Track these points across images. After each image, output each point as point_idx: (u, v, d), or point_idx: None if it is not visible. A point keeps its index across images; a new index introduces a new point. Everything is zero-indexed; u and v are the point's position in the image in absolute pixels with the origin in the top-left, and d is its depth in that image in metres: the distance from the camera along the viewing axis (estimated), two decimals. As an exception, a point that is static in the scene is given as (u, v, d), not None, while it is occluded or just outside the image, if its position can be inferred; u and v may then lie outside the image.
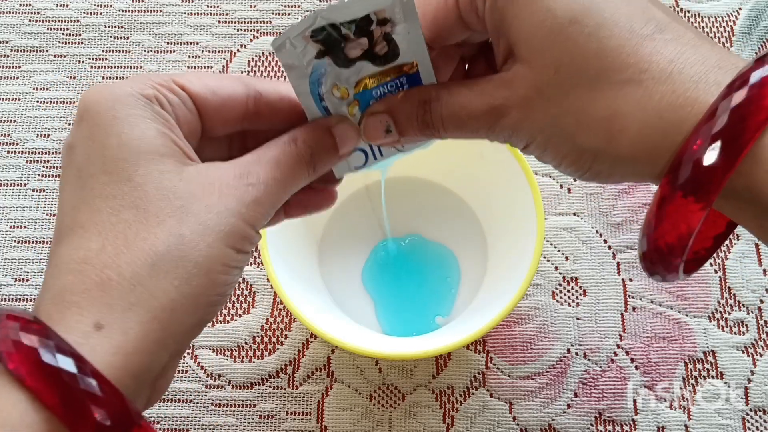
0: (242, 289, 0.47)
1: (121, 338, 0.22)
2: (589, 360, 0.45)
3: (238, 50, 0.53)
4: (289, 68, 0.27)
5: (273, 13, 0.54)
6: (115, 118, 0.24)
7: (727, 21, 0.53)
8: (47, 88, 0.52)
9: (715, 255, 0.47)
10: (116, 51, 0.53)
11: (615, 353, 0.45)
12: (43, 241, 0.48)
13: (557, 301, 0.46)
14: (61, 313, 0.22)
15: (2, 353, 0.21)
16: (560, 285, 0.47)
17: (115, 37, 0.53)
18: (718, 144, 0.21)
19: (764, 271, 0.47)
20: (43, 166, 0.50)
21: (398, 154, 0.31)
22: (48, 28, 0.53)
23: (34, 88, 0.52)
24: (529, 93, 0.25)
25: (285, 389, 0.45)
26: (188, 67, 0.52)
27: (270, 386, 0.45)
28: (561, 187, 0.49)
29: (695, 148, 0.22)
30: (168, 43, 0.53)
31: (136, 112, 0.24)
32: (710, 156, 0.21)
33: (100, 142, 0.24)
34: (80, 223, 0.23)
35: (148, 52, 0.53)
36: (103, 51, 0.53)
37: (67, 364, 0.21)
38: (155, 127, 0.24)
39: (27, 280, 0.47)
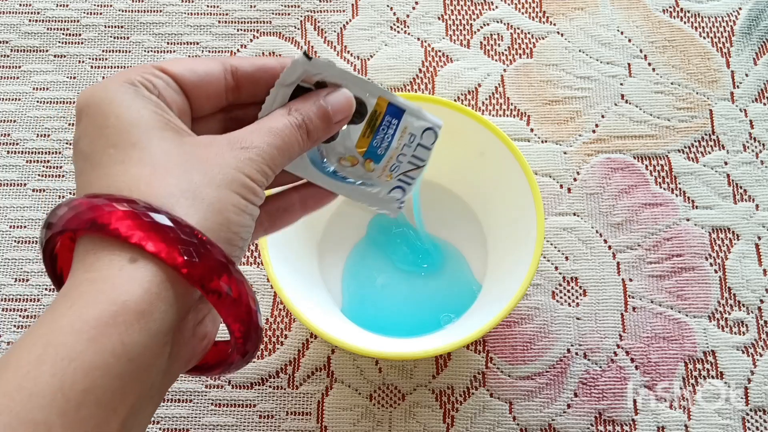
0: (242, 289, 0.47)
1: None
2: (589, 360, 0.45)
3: (238, 50, 0.53)
4: (289, 169, 0.30)
5: (273, 13, 0.54)
6: (111, 103, 0.25)
7: (727, 21, 0.53)
8: (47, 88, 0.52)
9: (715, 255, 0.47)
10: (116, 51, 0.53)
11: (615, 353, 0.45)
12: (43, 241, 0.48)
13: (557, 301, 0.46)
14: (95, 256, 0.23)
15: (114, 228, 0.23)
16: (560, 285, 0.47)
17: (115, 37, 0.53)
18: None
19: (764, 271, 0.47)
20: (43, 166, 0.50)
21: (421, 170, 0.33)
22: (48, 28, 0.53)
23: (34, 88, 0.52)
24: None
25: (285, 389, 0.45)
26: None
27: (270, 386, 0.45)
28: (561, 187, 0.49)
29: None
30: (168, 43, 0.53)
31: (129, 98, 0.26)
32: None
33: (101, 125, 0.25)
34: (94, 191, 0.25)
35: (148, 52, 0.53)
36: (103, 51, 0.53)
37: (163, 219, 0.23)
38: (150, 108, 0.26)
39: (27, 280, 0.47)
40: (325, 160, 0.31)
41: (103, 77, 0.52)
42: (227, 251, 0.25)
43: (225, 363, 0.28)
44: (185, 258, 0.23)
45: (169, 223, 0.23)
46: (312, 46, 0.53)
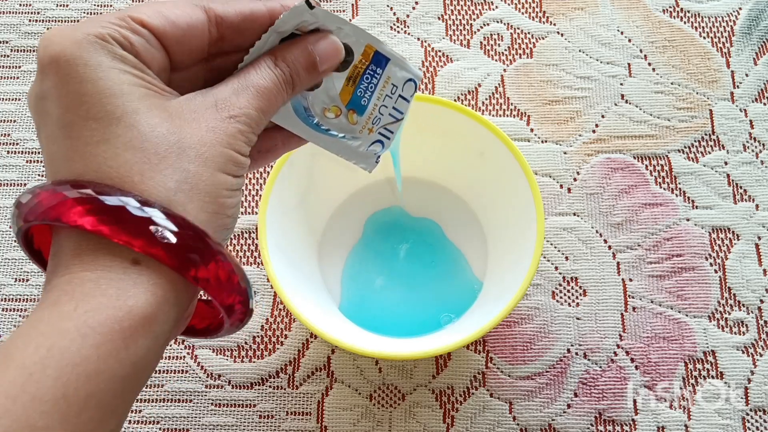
0: (242, 289, 0.47)
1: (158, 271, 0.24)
2: (589, 360, 0.45)
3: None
4: (273, 119, 0.29)
5: (273, 13, 0.54)
6: (86, 66, 0.23)
7: (727, 21, 0.53)
8: (47, 88, 0.52)
9: (715, 255, 0.47)
10: (116, 51, 0.53)
11: (615, 353, 0.45)
12: (43, 241, 0.48)
13: (557, 301, 0.46)
14: (93, 255, 0.23)
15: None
16: (560, 285, 0.47)
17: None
18: None
19: (764, 271, 0.47)
20: (43, 166, 0.50)
21: (401, 123, 0.32)
22: (48, 28, 0.53)
23: (34, 88, 0.52)
24: None
25: (285, 389, 0.45)
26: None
27: (270, 386, 0.45)
28: (561, 187, 0.49)
29: None
30: (168, 43, 0.53)
31: (105, 59, 0.24)
32: None
33: (75, 90, 0.23)
34: (78, 173, 0.23)
35: (148, 52, 0.53)
36: (103, 51, 0.53)
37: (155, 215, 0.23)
38: (128, 70, 0.24)
39: (27, 280, 0.47)
40: (309, 110, 0.30)
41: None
42: (222, 236, 0.25)
43: (211, 329, 0.28)
44: (188, 260, 0.23)
45: (169, 224, 0.23)
46: None
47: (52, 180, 0.24)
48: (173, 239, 0.23)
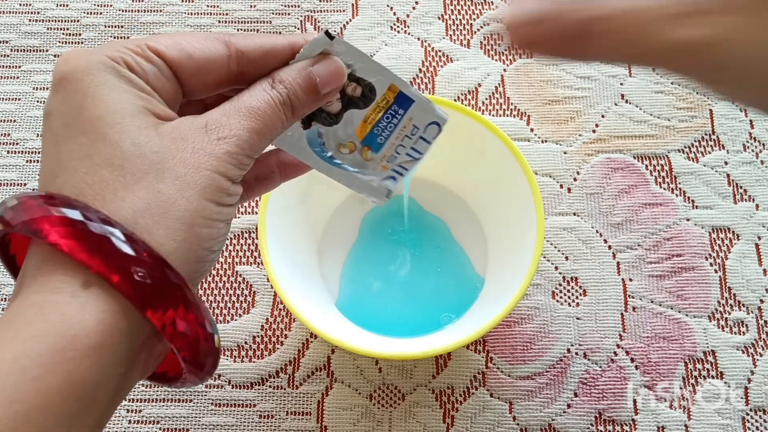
0: (242, 289, 0.47)
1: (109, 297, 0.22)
2: (589, 360, 0.45)
3: (238, 50, 0.53)
4: (285, 145, 0.29)
5: (273, 13, 0.54)
6: (92, 83, 0.23)
7: (727, 21, 0.53)
8: (47, 88, 0.52)
9: (715, 255, 0.47)
10: (116, 51, 0.53)
11: (615, 353, 0.45)
12: (43, 241, 0.48)
13: (557, 301, 0.46)
14: (47, 275, 0.22)
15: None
16: (560, 285, 0.47)
17: (115, 37, 0.53)
18: None
19: (764, 271, 0.47)
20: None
21: (418, 162, 0.32)
22: (48, 28, 0.53)
23: (34, 88, 0.52)
24: None
25: (285, 389, 0.45)
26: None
27: (270, 386, 0.45)
28: (561, 187, 0.49)
29: None
30: (168, 43, 0.53)
31: (113, 78, 0.24)
32: None
33: (77, 106, 0.23)
34: (59, 186, 0.23)
35: (148, 52, 0.53)
36: (103, 51, 0.53)
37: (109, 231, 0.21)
38: (132, 91, 0.24)
39: (27, 280, 0.47)
40: (323, 143, 0.30)
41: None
42: (194, 269, 0.23)
43: (179, 377, 0.26)
44: (139, 288, 0.21)
45: (127, 248, 0.21)
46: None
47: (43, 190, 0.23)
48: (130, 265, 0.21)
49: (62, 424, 0.20)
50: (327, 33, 0.26)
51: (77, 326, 0.21)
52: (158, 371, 0.26)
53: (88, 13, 0.54)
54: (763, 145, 0.50)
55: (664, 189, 0.49)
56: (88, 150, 0.23)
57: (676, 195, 0.49)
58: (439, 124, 0.31)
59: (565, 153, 0.50)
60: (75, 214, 0.21)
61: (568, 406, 0.44)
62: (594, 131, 0.50)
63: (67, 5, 0.54)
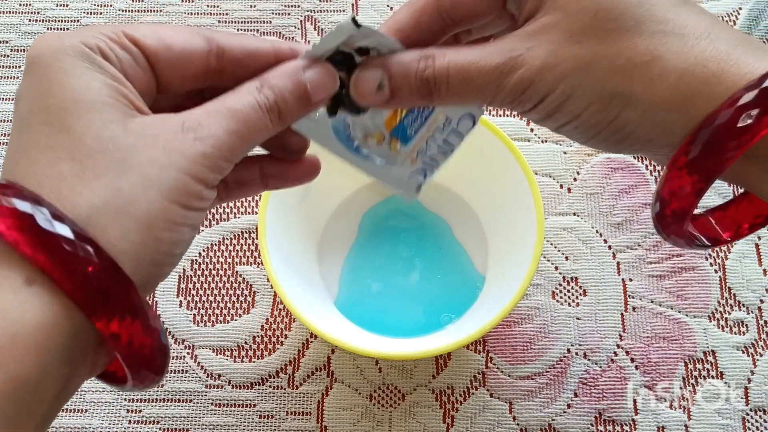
0: (242, 289, 0.47)
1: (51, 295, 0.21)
2: (589, 360, 0.45)
3: (238, 50, 0.53)
4: (311, 133, 0.27)
5: (273, 13, 0.54)
6: (60, 69, 0.22)
7: (727, 21, 0.53)
8: (47, 88, 0.52)
9: (715, 255, 0.47)
10: (116, 51, 0.53)
11: (615, 353, 0.45)
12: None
13: (557, 301, 0.46)
14: None
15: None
16: (560, 285, 0.47)
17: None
18: (755, 112, 0.22)
19: (764, 271, 0.47)
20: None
21: (449, 156, 0.30)
22: (48, 28, 0.53)
23: (34, 88, 0.52)
24: (558, 39, 0.24)
25: (285, 389, 0.45)
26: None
27: (270, 386, 0.45)
28: (561, 187, 0.49)
29: (736, 101, 0.22)
30: (168, 43, 0.53)
31: (83, 64, 0.23)
32: (743, 120, 0.22)
33: (44, 92, 0.22)
34: (18, 175, 0.22)
35: (148, 52, 0.53)
36: (103, 51, 0.53)
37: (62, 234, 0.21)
38: (102, 79, 0.23)
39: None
40: (350, 133, 0.28)
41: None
42: (149, 272, 0.22)
43: (117, 376, 0.25)
44: (83, 288, 0.20)
45: (74, 246, 0.20)
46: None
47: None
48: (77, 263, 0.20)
49: (1, 425, 0.19)
50: (354, 20, 0.24)
51: (18, 324, 0.20)
52: (109, 370, 0.25)
53: (88, 13, 0.54)
54: (763, 145, 0.50)
55: (664, 189, 0.49)
56: (50, 141, 0.22)
57: (676, 195, 0.49)
58: (474, 116, 0.29)
59: (565, 153, 0.50)
60: (24, 206, 0.20)
61: (568, 406, 0.44)
62: (594, 131, 0.50)
63: (67, 5, 0.54)
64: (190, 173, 0.22)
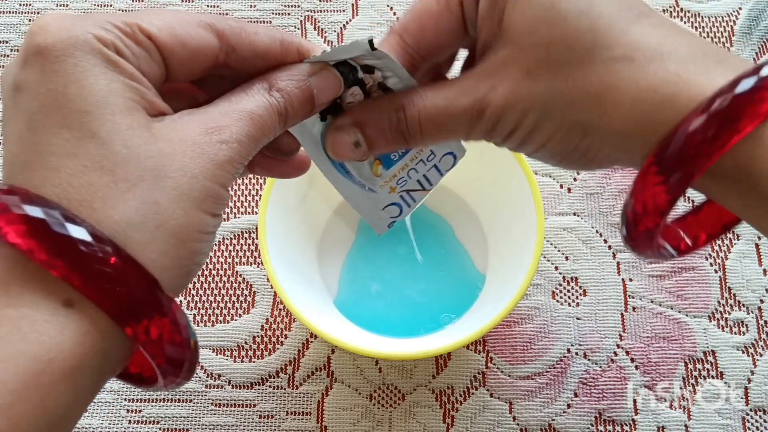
0: (242, 289, 0.47)
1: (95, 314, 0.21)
2: (589, 360, 0.45)
3: (238, 50, 0.53)
4: (299, 133, 0.28)
5: (273, 13, 0.54)
6: (76, 67, 0.21)
7: (727, 21, 0.53)
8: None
9: (715, 255, 0.47)
10: (116, 51, 0.53)
11: (615, 353, 0.45)
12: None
13: (557, 301, 0.46)
14: (23, 286, 0.20)
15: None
16: (560, 285, 0.47)
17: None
18: (713, 124, 0.22)
19: (764, 271, 0.47)
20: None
21: (426, 194, 0.31)
22: (48, 28, 0.53)
23: (34, 88, 0.52)
24: (516, 75, 0.24)
25: (285, 389, 0.45)
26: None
27: (270, 386, 0.45)
28: (561, 187, 0.49)
29: (687, 125, 0.22)
30: (168, 43, 0.53)
31: (100, 62, 0.21)
32: (702, 134, 0.22)
33: (59, 90, 0.21)
34: (34, 183, 0.21)
35: (148, 52, 0.53)
36: (103, 51, 0.53)
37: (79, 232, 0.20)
38: (121, 80, 0.22)
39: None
40: None
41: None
42: (181, 284, 0.22)
43: (144, 378, 0.25)
44: (130, 312, 0.20)
45: (115, 267, 0.20)
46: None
47: (5, 183, 0.21)
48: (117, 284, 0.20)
49: None
50: (371, 42, 0.25)
51: (55, 349, 0.19)
52: (133, 372, 0.25)
53: (87, 13, 0.54)
54: (763, 145, 0.50)
55: (664, 189, 0.49)
56: (73, 147, 0.21)
57: (676, 195, 0.49)
58: (456, 155, 0.30)
59: (565, 153, 0.50)
60: (35, 211, 0.19)
61: (568, 406, 0.44)
62: (594, 131, 0.50)
63: (67, 5, 0.54)
64: (218, 180, 0.22)
